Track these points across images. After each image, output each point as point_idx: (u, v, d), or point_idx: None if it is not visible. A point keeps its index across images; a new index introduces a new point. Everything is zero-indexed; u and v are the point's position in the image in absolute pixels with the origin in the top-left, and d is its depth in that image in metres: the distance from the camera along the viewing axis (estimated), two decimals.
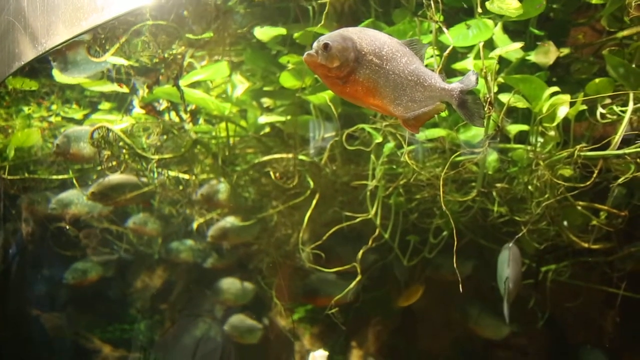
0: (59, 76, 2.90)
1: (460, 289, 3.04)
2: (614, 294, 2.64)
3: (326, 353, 2.02)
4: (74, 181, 3.20)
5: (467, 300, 2.98)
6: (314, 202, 2.38)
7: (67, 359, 3.83)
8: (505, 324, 2.97)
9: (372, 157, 2.17)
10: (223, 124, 2.83)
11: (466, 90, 1.49)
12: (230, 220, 3.10)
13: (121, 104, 3.32)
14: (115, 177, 2.95)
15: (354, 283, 2.34)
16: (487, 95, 1.93)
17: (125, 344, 3.81)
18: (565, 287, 2.75)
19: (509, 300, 2.10)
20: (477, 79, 1.52)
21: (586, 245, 2.31)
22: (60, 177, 3.27)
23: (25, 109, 3.41)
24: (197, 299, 3.73)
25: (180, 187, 3.06)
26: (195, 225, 3.42)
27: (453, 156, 2.01)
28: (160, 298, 3.84)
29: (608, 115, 2.27)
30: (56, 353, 3.81)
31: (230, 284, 3.53)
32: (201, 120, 2.86)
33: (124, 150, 2.69)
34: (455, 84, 1.48)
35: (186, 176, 3.16)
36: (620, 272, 2.61)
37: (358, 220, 2.22)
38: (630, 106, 2.12)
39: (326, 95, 2.21)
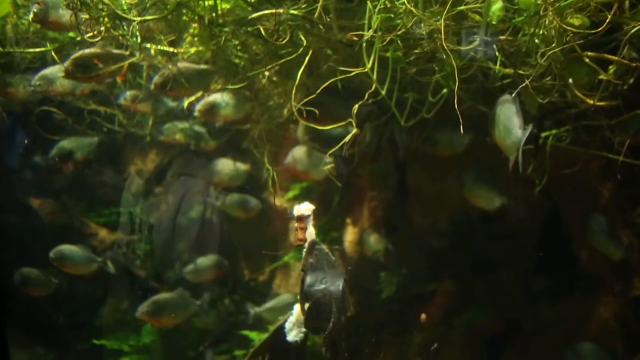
0: None
1: (458, 162, 3.01)
2: (614, 162, 2.59)
3: (312, 206, 1.97)
4: (53, 54, 3.03)
5: (463, 171, 2.94)
6: (307, 58, 2.24)
7: (63, 243, 3.85)
8: (499, 195, 2.95)
9: (369, 4, 2.01)
10: None
11: None
12: (220, 95, 2.98)
13: None
14: (93, 50, 2.77)
15: (349, 136, 2.27)
16: None
17: (121, 228, 3.83)
18: (563, 155, 2.70)
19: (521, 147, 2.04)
20: None
21: (591, 102, 2.22)
22: (38, 50, 3.09)
23: None
24: (191, 180, 3.70)
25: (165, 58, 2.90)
26: (185, 104, 3.30)
27: None
28: (154, 180, 3.81)
29: None
30: (51, 238, 3.83)
31: (223, 165, 3.48)
32: None
33: (103, 13, 2.51)
34: None
35: (171, 49, 2.99)
36: (621, 137, 2.54)
37: (353, 74, 2.11)
38: None
39: None
